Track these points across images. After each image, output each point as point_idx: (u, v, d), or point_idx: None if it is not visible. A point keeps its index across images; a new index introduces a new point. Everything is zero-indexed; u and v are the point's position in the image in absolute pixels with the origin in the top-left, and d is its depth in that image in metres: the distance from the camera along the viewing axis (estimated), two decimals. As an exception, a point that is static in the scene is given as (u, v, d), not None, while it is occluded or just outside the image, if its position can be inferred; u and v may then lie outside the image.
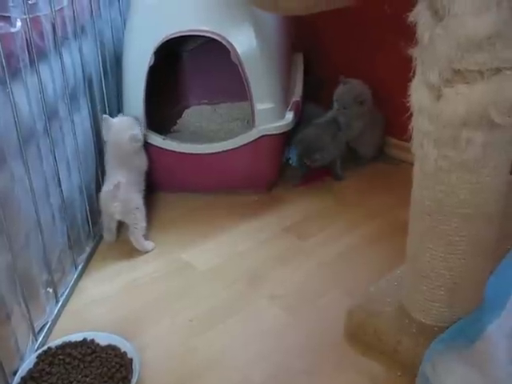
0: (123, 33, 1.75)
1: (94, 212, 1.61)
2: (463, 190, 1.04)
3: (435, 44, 0.95)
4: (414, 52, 1.01)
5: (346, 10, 1.28)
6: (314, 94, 1.98)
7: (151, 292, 1.45)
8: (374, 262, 1.50)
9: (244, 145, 1.71)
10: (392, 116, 1.84)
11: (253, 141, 1.70)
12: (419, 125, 1.02)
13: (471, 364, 1.11)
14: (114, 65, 1.79)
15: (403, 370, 1.17)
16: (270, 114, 1.70)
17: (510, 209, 1.58)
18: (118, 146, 1.63)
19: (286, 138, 1.77)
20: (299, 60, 2.05)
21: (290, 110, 1.78)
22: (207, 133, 2.01)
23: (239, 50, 1.63)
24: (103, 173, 1.65)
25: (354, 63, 2.02)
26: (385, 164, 1.98)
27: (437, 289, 1.17)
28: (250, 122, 1.73)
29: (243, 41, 1.64)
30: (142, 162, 1.68)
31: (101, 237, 1.65)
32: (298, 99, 1.86)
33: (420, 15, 0.98)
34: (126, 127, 1.65)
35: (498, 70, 0.92)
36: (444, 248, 1.12)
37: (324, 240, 1.62)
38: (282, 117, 1.74)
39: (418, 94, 1.00)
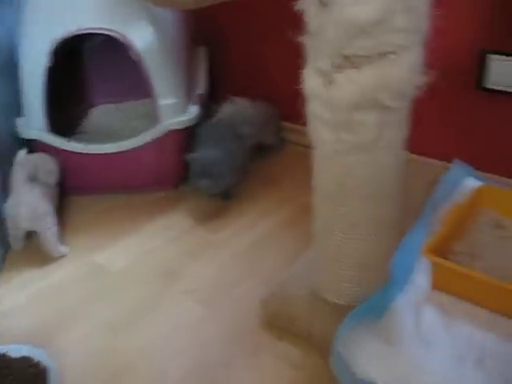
0: (17, 32, 1.69)
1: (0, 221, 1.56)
2: (362, 171, 1.07)
3: (323, 31, 0.97)
4: (304, 40, 1.03)
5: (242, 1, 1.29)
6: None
7: (65, 297, 1.42)
8: (289, 248, 1.52)
9: (149, 142, 1.70)
10: (292, 102, 1.88)
11: (158, 137, 1.69)
12: (313, 110, 1.05)
13: (381, 337, 1.15)
14: (8, 66, 1.72)
15: (320, 352, 1.20)
16: (173, 109, 1.69)
17: (410, 186, 1.65)
18: (30, 178, 1.59)
19: (191, 133, 1.77)
20: (202, 54, 2.05)
21: (193, 104, 1.78)
22: (113, 132, 1.98)
23: (138, 47, 1.62)
24: (5, 180, 1.59)
25: (254, 53, 2.04)
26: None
27: (347, 270, 1.20)
28: (154, 119, 1.72)
29: (141, 37, 1.63)
30: (51, 175, 1.66)
31: (9, 246, 1.59)
32: (202, 92, 1.86)
33: (307, 3, 1.00)
34: (39, 164, 1.63)
35: (384, 55, 0.95)
36: (349, 229, 1.15)
37: (236, 231, 1.63)
38: (186, 111, 1.74)
39: (310, 81, 1.03)
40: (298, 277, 1.32)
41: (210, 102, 1.95)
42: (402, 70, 0.96)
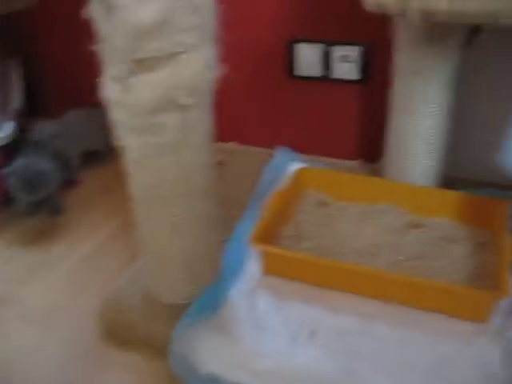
0: None
1: None
2: (172, 172, 1.07)
3: (112, 37, 0.96)
4: (98, 47, 1.01)
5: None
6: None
7: None
8: (123, 256, 1.49)
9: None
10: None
11: (-30, 160, 1.60)
12: (117, 116, 1.03)
13: (218, 330, 1.18)
14: None
15: (164, 355, 1.18)
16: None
17: (238, 177, 1.70)
18: None
19: (10, 150, 1.67)
20: (15, 66, 1.96)
21: (8, 120, 1.69)
22: None
23: None
24: None
25: (75, 58, 1.99)
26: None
27: (177, 270, 1.20)
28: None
29: None
30: None
31: None
32: (17, 107, 1.77)
33: (94, 10, 0.98)
34: None
35: (175, 55, 0.96)
36: (171, 230, 1.15)
37: (67, 247, 1.58)
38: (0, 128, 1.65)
39: (109, 88, 1.01)
40: (132, 284, 1.31)
41: (33, 114, 1.87)
42: (195, 68, 0.98)
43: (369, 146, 1.73)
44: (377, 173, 1.62)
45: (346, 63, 1.64)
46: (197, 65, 0.98)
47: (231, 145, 1.88)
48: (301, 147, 1.73)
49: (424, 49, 1.35)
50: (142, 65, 0.96)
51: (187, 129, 1.03)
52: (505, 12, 0.92)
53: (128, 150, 1.07)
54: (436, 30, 1.31)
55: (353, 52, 1.62)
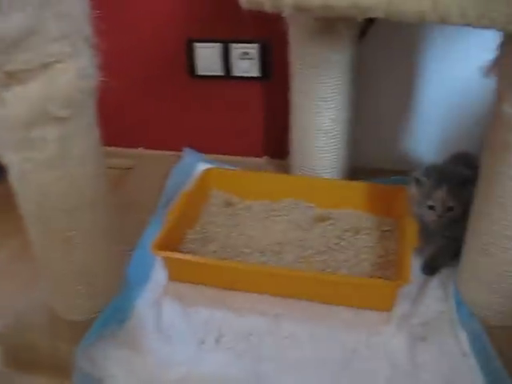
0: None
1: None
2: (56, 187, 1.02)
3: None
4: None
5: None
6: None
7: None
8: (25, 278, 1.40)
9: None
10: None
11: None
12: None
13: (125, 343, 1.15)
14: None
15: (68, 375, 1.13)
16: None
17: (145, 183, 1.66)
18: None
19: None
20: None
21: None
22: None
23: None
24: None
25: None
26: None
27: (74, 285, 1.16)
28: None
29: None
30: None
31: None
32: None
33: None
34: None
35: (46, 65, 0.92)
36: (63, 245, 1.10)
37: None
38: None
39: (-18, 102, 0.96)
40: (34, 303, 1.25)
41: None
42: (69, 78, 0.93)
43: (275, 142, 1.73)
44: (285, 169, 1.62)
45: (246, 60, 1.63)
46: (71, 75, 0.93)
47: (139, 150, 1.84)
48: (208, 147, 1.72)
49: (318, 42, 1.35)
50: (13, 77, 0.91)
51: (67, 141, 0.98)
52: (376, 6, 0.92)
53: (10, 166, 1.02)
54: (328, 23, 1.31)
55: (252, 49, 1.61)
